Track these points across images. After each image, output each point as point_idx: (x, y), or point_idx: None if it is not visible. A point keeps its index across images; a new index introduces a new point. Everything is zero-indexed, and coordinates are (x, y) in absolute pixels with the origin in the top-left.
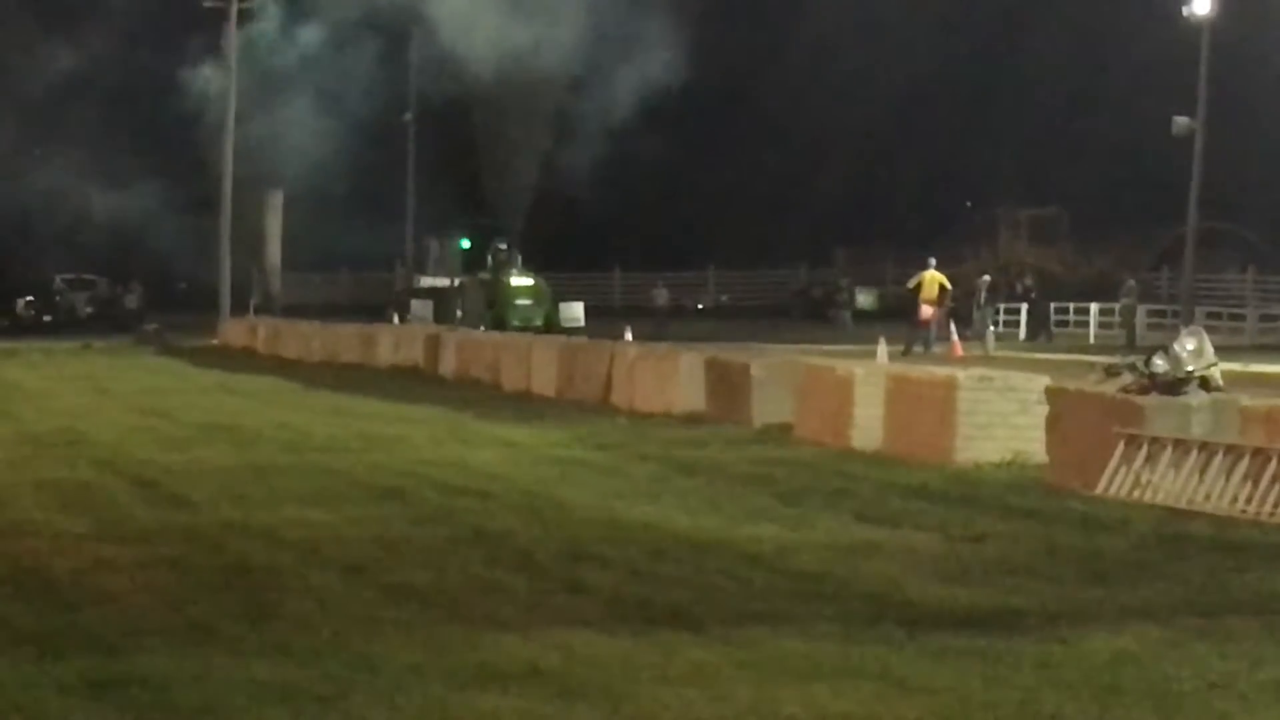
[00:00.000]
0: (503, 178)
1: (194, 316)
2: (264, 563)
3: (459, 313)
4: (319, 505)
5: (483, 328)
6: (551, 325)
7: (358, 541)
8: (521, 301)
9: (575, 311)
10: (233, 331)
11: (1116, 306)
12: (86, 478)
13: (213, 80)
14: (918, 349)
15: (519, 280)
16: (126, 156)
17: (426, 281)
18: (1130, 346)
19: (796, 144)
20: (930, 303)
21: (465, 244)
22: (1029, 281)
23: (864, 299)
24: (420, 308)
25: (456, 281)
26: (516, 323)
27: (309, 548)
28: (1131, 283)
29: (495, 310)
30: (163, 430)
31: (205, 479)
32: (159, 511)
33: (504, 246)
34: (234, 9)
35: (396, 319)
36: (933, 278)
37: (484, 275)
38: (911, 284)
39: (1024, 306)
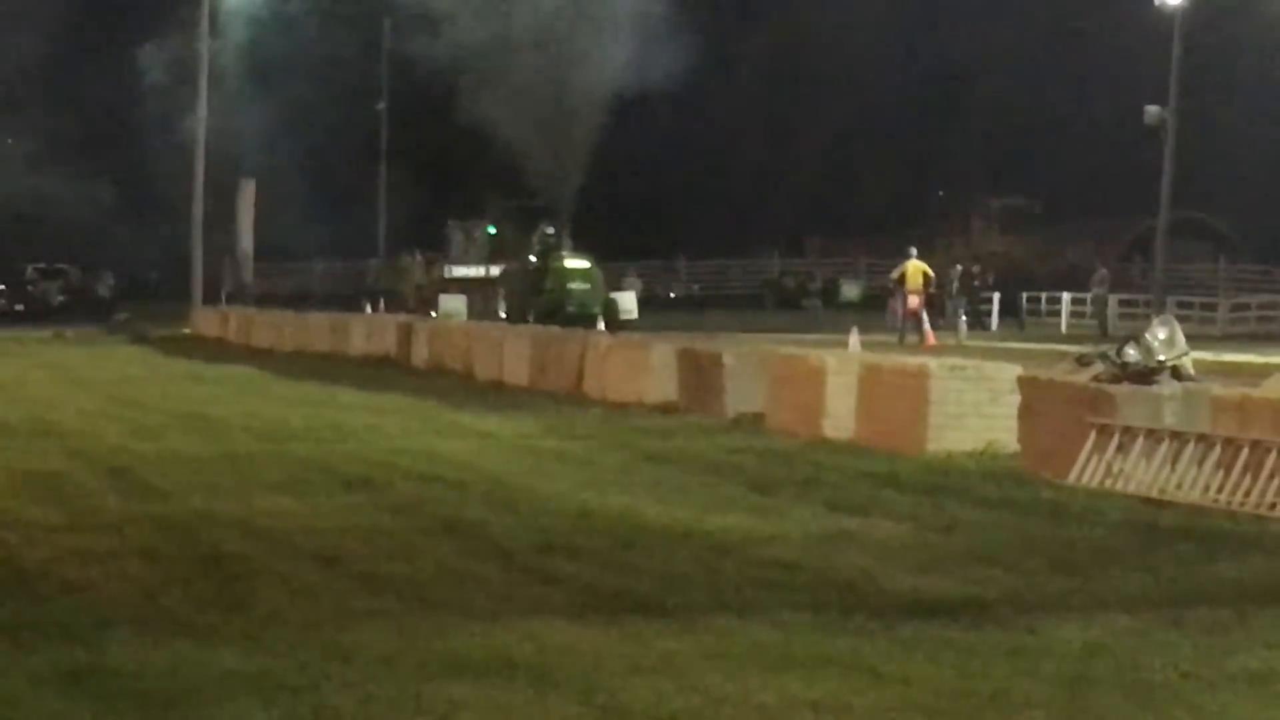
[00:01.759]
0: (548, 154)
1: (166, 305)
2: (236, 552)
3: (501, 305)
4: (291, 495)
5: (530, 320)
6: (610, 316)
7: (330, 531)
8: (578, 285)
9: (628, 302)
10: (205, 321)
11: (1088, 296)
12: (58, 467)
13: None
14: (912, 339)
15: (574, 262)
16: (94, 146)
17: (459, 272)
18: (1102, 336)
19: (768, 134)
20: (916, 292)
21: (492, 230)
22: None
23: (850, 290)
24: (452, 302)
25: (494, 270)
26: (573, 308)
27: (281, 537)
28: (1103, 272)
29: (548, 296)
30: (134, 419)
31: (177, 468)
32: (130, 501)
33: (551, 231)
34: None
35: (434, 314)
36: (916, 267)
37: (530, 261)
38: (896, 274)
39: (995, 296)
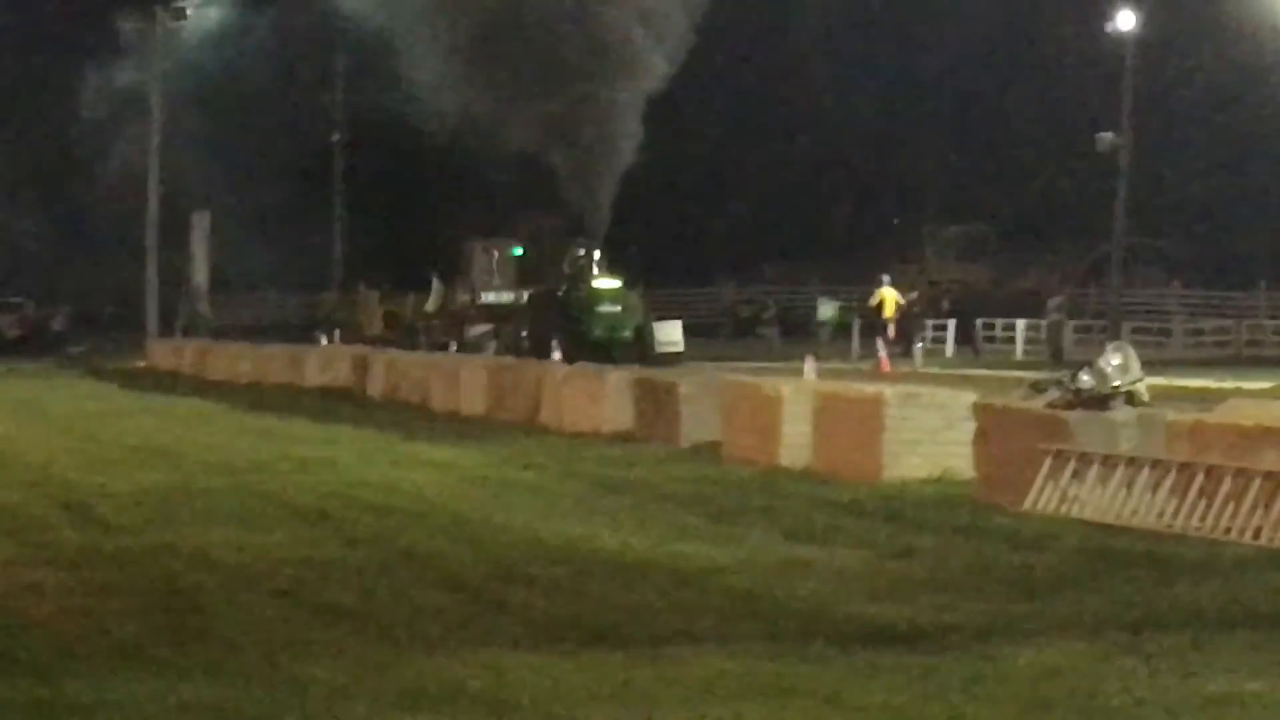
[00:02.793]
0: (578, 163)
1: (121, 338)
2: (193, 585)
3: (524, 334)
4: (248, 527)
5: (555, 353)
6: (645, 344)
7: (287, 563)
8: (606, 308)
9: (673, 333)
10: (160, 353)
11: (1044, 323)
12: (14, 500)
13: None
14: (905, 364)
15: (603, 282)
16: (46, 180)
17: (490, 298)
18: (1057, 362)
19: (723, 160)
20: (890, 319)
21: (518, 251)
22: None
23: (827, 310)
24: (479, 334)
25: (519, 296)
26: (599, 333)
27: (238, 570)
28: (1060, 298)
29: (575, 325)
30: (91, 452)
31: (133, 502)
32: (87, 534)
33: (583, 251)
34: (159, 30)
35: (455, 346)
36: (890, 294)
37: (558, 286)
38: (874, 301)
39: (951, 323)
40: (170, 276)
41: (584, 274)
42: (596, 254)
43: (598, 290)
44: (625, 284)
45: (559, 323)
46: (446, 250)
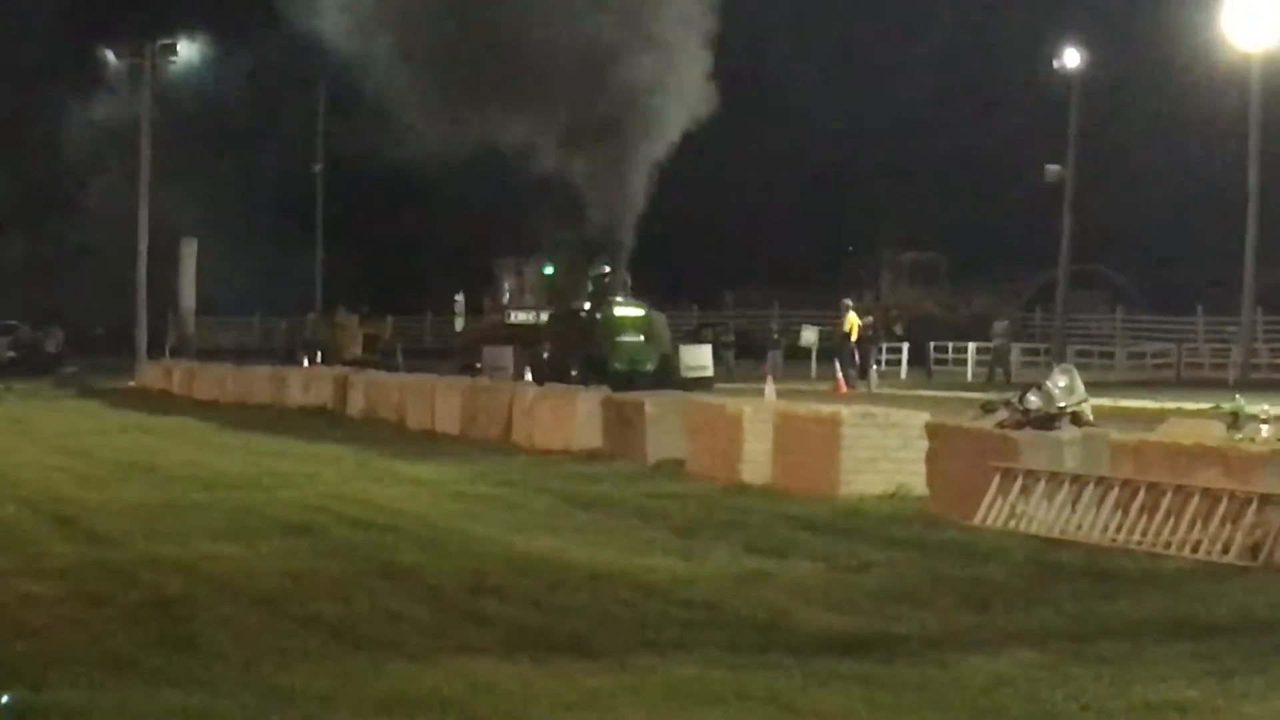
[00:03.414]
0: (601, 179)
1: (112, 360)
2: (180, 596)
3: (545, 355)
4: (232, 540)
5: (574, 374)
6: (670, 372)
7: (269, 575)
8: (628, 338)
9: (701, 358)
10: (149, 374)
11: (991, 345)
12: (8, 514)
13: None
14: (862, 385)
15: (625, 310)
16: (41, 206)
17: (521, 318)
18: (1005, 383)
19: (681, 184)
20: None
21: (549, 270)
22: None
23: (809, 335)
24: (496, 356)
25: (541, 317)
26: (620, 366)
27: (223, 581)
28: (1005, 323)
29: (595, 350)
30: (82, 469)
31: (123, 516)
32: (78, 547)
33: (606, 270)
34: (148, 64)
35: (481, 368)
36: (854, 318)
37: (580, 307)
38: (846, 326)
39: (905, 346)
40: (159, 302)
41: (606, 295)
42: (623, 274)
43: (620, 318)
44: (650, 309)
45: (578, 348)
46: (476, 269)
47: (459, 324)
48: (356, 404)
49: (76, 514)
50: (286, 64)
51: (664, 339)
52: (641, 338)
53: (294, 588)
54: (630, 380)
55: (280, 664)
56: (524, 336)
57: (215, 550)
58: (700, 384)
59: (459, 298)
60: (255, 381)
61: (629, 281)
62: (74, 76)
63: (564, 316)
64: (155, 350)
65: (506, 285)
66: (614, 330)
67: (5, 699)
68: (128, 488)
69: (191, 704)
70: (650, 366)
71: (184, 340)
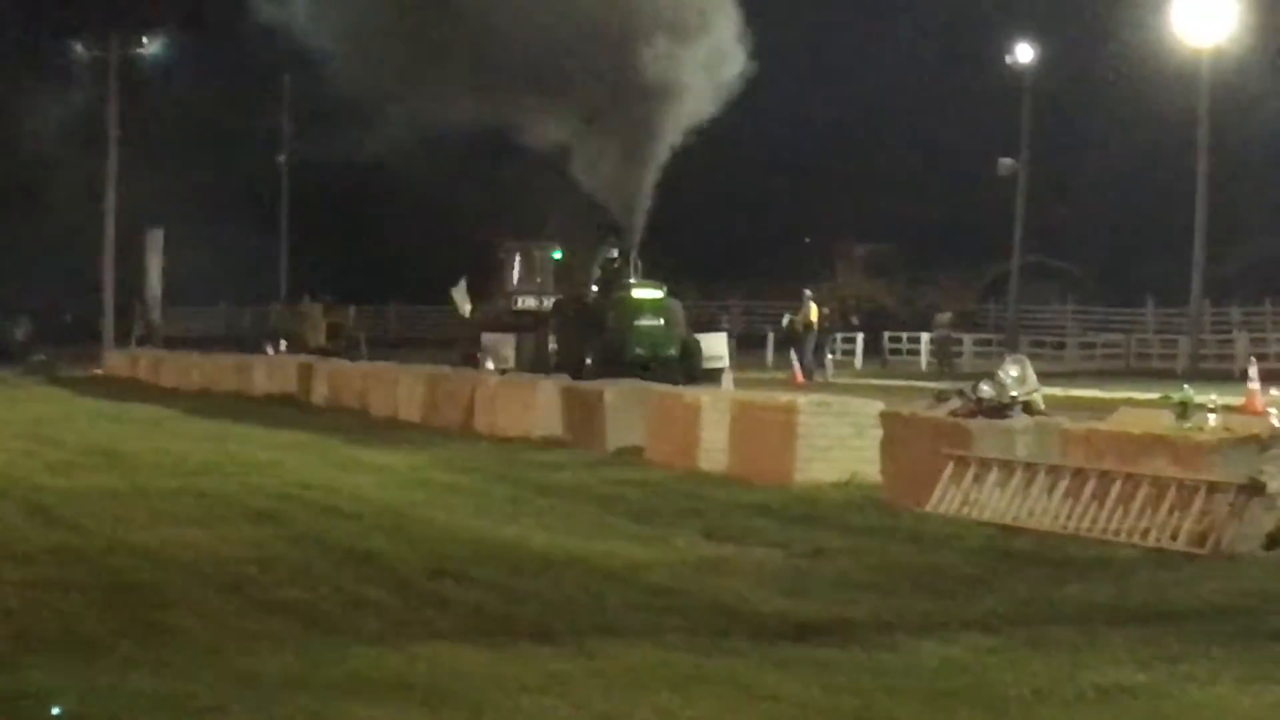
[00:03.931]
0: (602, 161)
1: (79, 348)
2: (147, 581)
3: (553, 346)
4: (198, 526)
5: (588, 363)
6: (691, 360)
7: (235, 560)
8: (647, 322)
9: (718, 346)
10: (116, 362)
11: (933, 335)
12: None
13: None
14: (819, 375)
15: (643, 292)
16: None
17: (530, 304)
18: (949, 374)
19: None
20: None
21: (558, 254)
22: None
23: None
24: (496, 344)
25: (545, 302)
26: (641, 351)
27: (190, 567)
28: (948, 314)
29: (610, 336)
30: (50, 456)
31: (90, 502)
32: (47, 533)
33: (615, 255)
34: (114, 55)
35: (490, 364)
36: (814, 308)
37: (589, 293)
38: (814, 316)
39: (859, 336)
40: (126, 291)
41: (618, 280)
42: (633, 257)
43: (638, 301)
44: (668, 293)
45: (591, 336)
46: (479, 253)
47: (465, 310)
48: (320, 392)
49: (45, 500)
50: (253, 53)
51: (682, 324)
52: (661, 321)
53: (259, 573)
54: (648, 368)
55: (246, 648)
56: (523, 324)
57: (182, 536)
58: (717, 375)
59: (461, 283)
60: (221, 370)
61: (639, 264)
62: (41, 67)
63: (570, 302)
64: (122, 338)
65: (513, 270)
66: (631, 314)
67: None
68: (95, 474)
69: (160, 687)
70: (672, 351)
71: (150, 329)
